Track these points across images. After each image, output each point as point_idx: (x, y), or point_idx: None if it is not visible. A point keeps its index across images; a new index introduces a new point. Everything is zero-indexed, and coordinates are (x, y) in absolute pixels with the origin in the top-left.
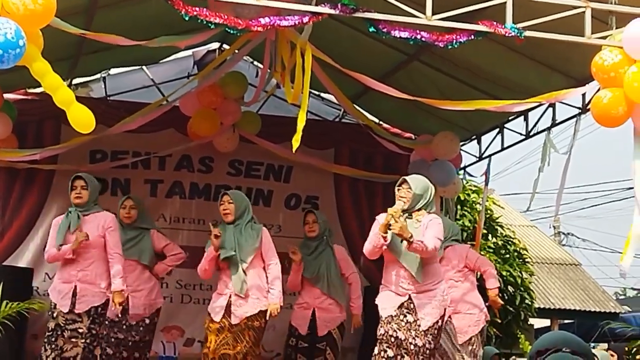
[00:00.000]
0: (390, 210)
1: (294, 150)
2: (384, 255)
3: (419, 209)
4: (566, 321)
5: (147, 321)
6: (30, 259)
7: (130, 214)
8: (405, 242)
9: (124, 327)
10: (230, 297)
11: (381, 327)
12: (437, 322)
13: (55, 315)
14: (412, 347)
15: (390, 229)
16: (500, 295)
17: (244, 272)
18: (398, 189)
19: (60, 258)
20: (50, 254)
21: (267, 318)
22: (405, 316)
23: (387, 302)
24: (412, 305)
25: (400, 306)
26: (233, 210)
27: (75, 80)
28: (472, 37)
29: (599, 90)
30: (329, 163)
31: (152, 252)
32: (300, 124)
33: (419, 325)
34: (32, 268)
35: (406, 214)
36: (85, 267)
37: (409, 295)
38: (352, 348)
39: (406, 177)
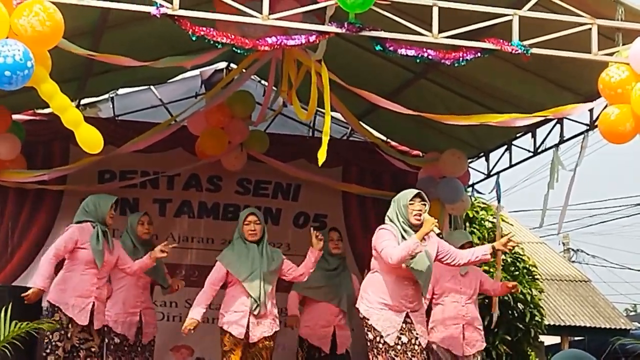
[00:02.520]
0: (431, 219)
1: (319, 163)
2: (394, 271)
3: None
4: (576, 338)
5: (153, 340)
6: None
7: (150, 230)
8: (426, 260)
9: (139, 348)
10: (249, 316)
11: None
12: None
13: (69, 335)
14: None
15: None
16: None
17: (265, 292)
18: (413, 203)
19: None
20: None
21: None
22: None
23: (388, 324)
24: (410, 323)
25: (401, 329)
26: (259, 230)
27: (84, 101)
28: (479, 54)
29: (606, 106)
30: (337, 181)
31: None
32: (325, 137)
33: (419, 344)
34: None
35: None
36: (103, 285)
37: (407, 312)
38: None
39: (419, 191)
